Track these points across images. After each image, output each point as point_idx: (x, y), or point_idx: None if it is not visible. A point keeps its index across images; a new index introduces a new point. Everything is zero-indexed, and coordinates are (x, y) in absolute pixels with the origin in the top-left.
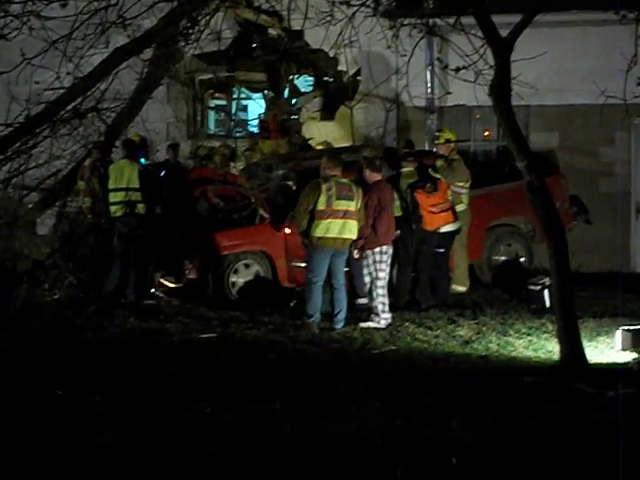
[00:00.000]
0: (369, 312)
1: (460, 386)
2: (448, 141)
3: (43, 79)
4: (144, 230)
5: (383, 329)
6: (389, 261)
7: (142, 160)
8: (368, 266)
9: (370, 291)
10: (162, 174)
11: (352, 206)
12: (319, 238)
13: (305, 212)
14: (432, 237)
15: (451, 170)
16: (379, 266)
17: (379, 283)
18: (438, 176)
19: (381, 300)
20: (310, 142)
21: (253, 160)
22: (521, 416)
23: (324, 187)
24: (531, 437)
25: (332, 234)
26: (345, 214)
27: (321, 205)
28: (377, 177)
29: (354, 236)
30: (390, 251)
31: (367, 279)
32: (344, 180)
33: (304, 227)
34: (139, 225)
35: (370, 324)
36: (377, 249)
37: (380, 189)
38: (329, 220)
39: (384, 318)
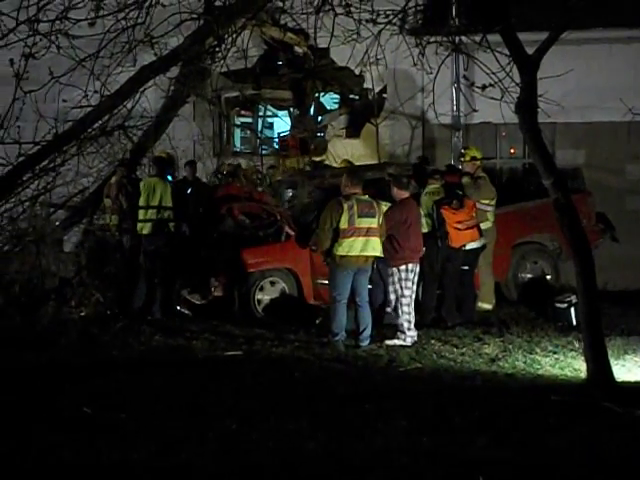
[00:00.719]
0: (395, 329)
1: (486, 404)
2: (474, 159)
3: (71, 97)
4: (171, 248)
5: (409, 347)
6: (415, 279)
7: (169, 177)
8: (393, 283)
9: (395, 308)
10: (188, 191)
11: (374, 223)
12: (342, 257)
13: (328, 231)
14: (457, 254)
15: (477, 187)
16: (405, 284)
17: (404, 301)
18: (465, 193)
19: (407, 317)
20: (327, 160)
21: (277, 177)
22: (548, 435)
23: (346, 205)
24: (558, 456)
25: (355, 252)
26: (368, 231)
27: (344, 224)
28: (404, 194)
29: (377, 253)
30: (417, 269)
31: (392, 296)
32: (365, 197)
33: (327, 246)
34: (166, 243)
35: (396, 341)
36: (402, 266)
37: (407, 206)
38: (352, 238)
39: (410, 335)
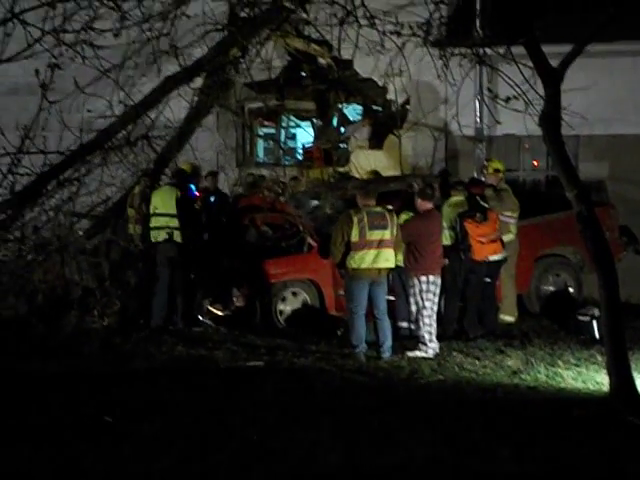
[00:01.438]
0: (416, 341)
1: (508, 417)
2: (497, 171)
3: (95, 107)
4: (184, 257)
5: (431, 358)
6: (437, 291)
7: (193, 188)
8: (414, 295)
9: (417, 320)
10: (212, 200)
11: (387, 235)
12: (355, 269)
13: (340, 245)
14: (480, 267)
15: (499, 200)
16: (425, 295)
17: (425, 312)
18: (487, 205)
19: (428, 329)
20: (351, 171)
21: (300, 189)
22: (570, 448)
23: (356, 219)
24: (580, 470)
25: (367, 265)
26: (380, 243)
27: (354, 237)
28: (428, 206)
29: (391, 264)
30: (438, 281)
31: (413, 308)
32: (377, 209)
33: (339, 260)
34: (179, 252)
35: (417, 353)
36: (423, 278)
37: (430, 218)
38: (364, 251)
39: (432, 347)
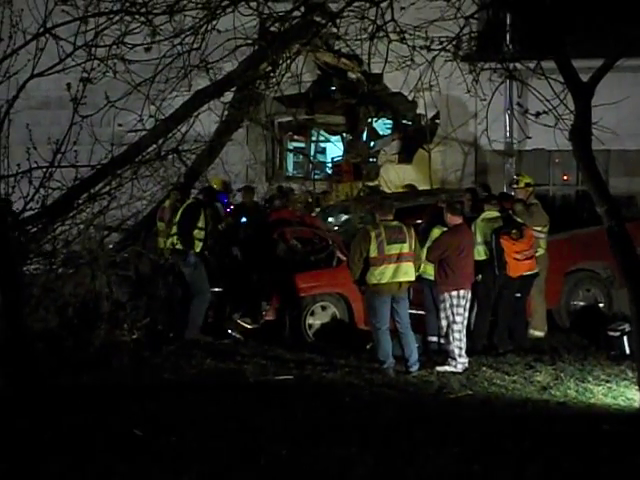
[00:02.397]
0: (446, 355)
1: (538, 433)
2: (528, 185)
3: (126, 121)
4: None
5: (460, 373)
6: (467, 305)
7: (221, 204)
8: (445, 309)
9: (447, 334)
10: (243, 220)
11: (405, 248)
12: (375, 285)
13: (359, 261)
14: (514, 282)
15: (529, 214)
16: (456, 310)
17: (456, 327)
18: (523, 221)
19: (457, 344)
20: (381, 185)
21: (329, 202)
22: (599, 465)
23: (373, 234)
24: None
25: (387, 279)
26: (399, 257)
27: (373, 252)
28: (457, 220)
29: (411, 277)
30: (469, 296)
31: (444, 322)
32: (394, 223)
33: (358, 276)
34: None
35: (447, 368)
36: (454, 292)
37: (460, 232)
38: (383, 266)
39: (461, 362)
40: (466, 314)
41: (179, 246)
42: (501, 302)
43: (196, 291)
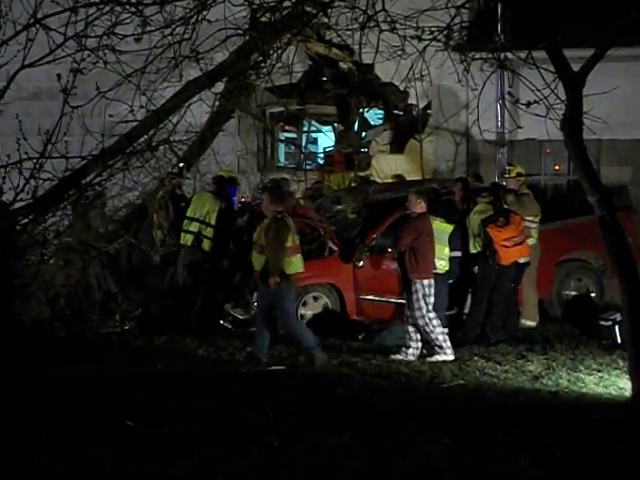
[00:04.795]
0: (433, 345)
1: (529, 422)
2: (519, 175)
3: (117, 112)
4: (211, 264)
5: (452, 361)
6: (432, 292)
7: (233, 197)
8: (418, 300)
9: (422, 325)
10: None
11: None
12: (293, 275)
13: (283, 250)
14: (509, 272)
15: (521, 205)
16: (429, 299)
17: (432, 315)
18: (512, 208)
19: (439, 330)
20: (372, 175)
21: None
22: (591, 454)
23: (290, 223)
24: (601, 476)
25: (299, 269)
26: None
27: (290, 242)
28: (423, 208)
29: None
30: (433, 283)
31: (417, 313)
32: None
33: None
34: (205, 259)
35: (438, 357)
36: (426, 281)
37: (427, 220)
38: (296, 256)
39: (448, 347)
40: (432, 299)
41: (206, 247)
42: (496, 293)
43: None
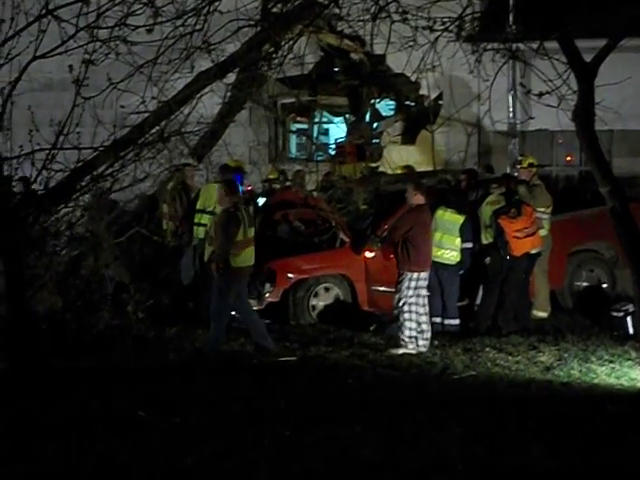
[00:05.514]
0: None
1: (541, 413)
2: (531, 165)
3: (128, 103)
4: None
5: (464, 352)
6: (425, 285)
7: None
8: (403, 290)
9: (397, 316)
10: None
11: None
12: (239, 267)
13: (231, 243)
14: (520, 263)
15: (532, 195)
16: (417, 292)
17: (413, 308)
18: (523, 199)
19: (408, 325)
20: (384, 166)
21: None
22: (603, 445)
23: (240, 216)
24: (613, 467)
25: (249, 263)
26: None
27: (240, 235)
28: (421, 200)
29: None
30: (427, 276)
31: (400, 302)
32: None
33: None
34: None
35: (398, 350)
36: (415, 275)
37: (424, 212)
38: (247, 249)
39: (411, 342)
40: (425, 292)
41: None
42: (508, 284)
43: None
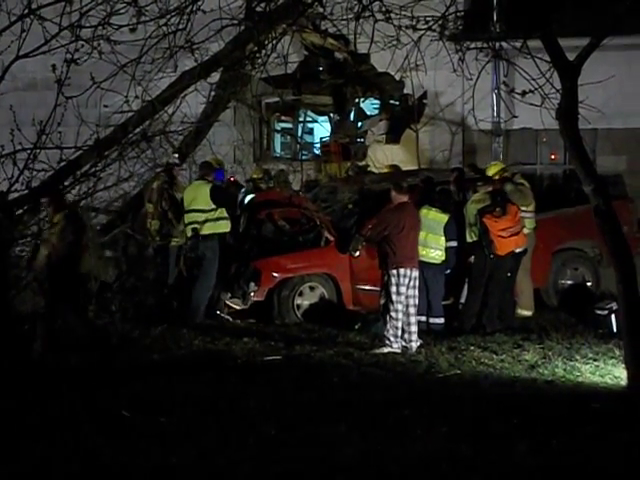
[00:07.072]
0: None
1: (526, 411)
2: (503, 170)
3: (112, 102)
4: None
5: (449, 350)
6: (412, 283)
7: (221, 180)
8: (384, 289)
9: (383, 314)
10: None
11: None
12: None
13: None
14: (505, 262)
15: (521, 193)
16: (398, 289)
17: (392, 307)
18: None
19: (394, 324)
20: (368, 165)
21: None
22: (587, 443)
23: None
24: (597, 464)
25: None
26: None
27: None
28: (402, 199)
29: None
30: (412, 274)
31: (382, 301)
32: None
33: None
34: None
35: (384, 349)
36: (394, 271)
37: (404, 211)
38: None
39: (397, 342)
40: (409, 292)
41: (207, 231)
42: (492, 282)
43: (208, 275)
